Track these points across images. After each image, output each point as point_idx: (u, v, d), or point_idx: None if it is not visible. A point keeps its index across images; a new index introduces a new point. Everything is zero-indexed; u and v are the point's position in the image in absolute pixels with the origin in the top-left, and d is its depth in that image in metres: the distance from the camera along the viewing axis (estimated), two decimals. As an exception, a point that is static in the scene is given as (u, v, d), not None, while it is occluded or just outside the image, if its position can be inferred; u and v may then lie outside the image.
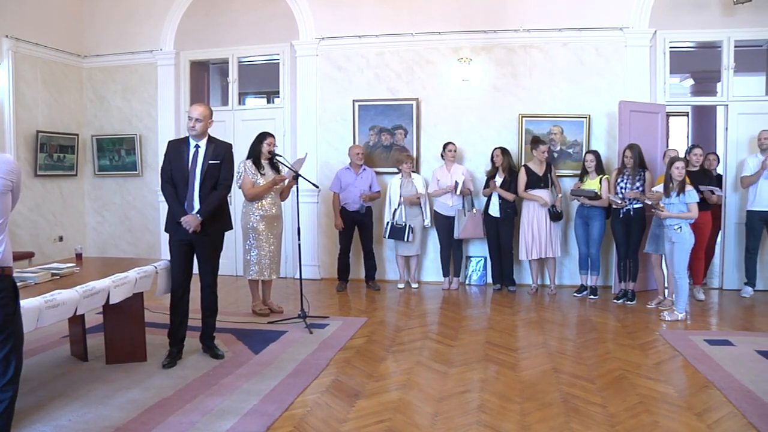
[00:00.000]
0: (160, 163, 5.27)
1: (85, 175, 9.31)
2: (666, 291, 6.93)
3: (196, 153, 4.89)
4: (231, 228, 5.23)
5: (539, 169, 7.39)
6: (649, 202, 6.50)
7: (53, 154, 8.60)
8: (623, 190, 6.90)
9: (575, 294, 7.36)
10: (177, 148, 4.95)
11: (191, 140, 4.91)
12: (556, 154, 7.75)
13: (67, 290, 4.02)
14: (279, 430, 3.69)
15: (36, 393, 3.02)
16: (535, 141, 7.46)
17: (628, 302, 6.93)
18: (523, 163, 7.61)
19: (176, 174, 4.90)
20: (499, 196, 7.45)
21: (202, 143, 4.90)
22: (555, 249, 7.41)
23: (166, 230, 5.04)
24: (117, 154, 9.17)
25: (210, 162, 4.88)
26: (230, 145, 5.09)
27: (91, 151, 9.24)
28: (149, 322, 5.13)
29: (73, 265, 4.98)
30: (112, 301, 4.40)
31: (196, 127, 4.82)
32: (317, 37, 8.36)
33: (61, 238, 8.69)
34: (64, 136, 8.76)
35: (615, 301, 7.03)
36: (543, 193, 7.35)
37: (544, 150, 7.35)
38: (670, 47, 7.67)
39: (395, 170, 7.92)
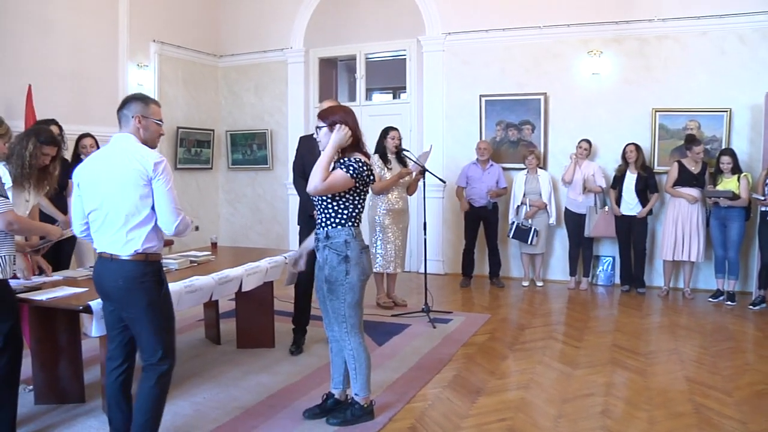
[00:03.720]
0: (291, 158, 5.44)
1: (220, 169, 9.80)
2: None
3: None
4: None
5: (695, 168, 6.99)
6: None
7: (191, 148, 9.11)
8: None
9: (710, 299, 6.96)
10: (308, 143, 5.04)
11: None
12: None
13: (204, 277, 4.26)
14: (400, 421, 3.76)
15: (174, 371, 3.33)
16: (689, 140, 7.02)
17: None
18: (677, 159, 7.19)
19: (309, 168, 4.99)
20: (637, 193, 7.16)
21: None
22: (698, 251, 6.97)
23: (298, 223, 5.17)
24: (249, 148, 9.59)
25: None
26: None
27: (225, 145, 9.71)
28: (278, 311, 5.33)
29: (209, 253, 5.25)
30: (244, 289, 4.61)
31: None
32: (444, 32, 8.37)
33: (197, 228, 9.15)
34: (201, 131, 9.26)
35: (751, 307, 6.61)
36: (694, 192, 6.97)
37: (699, 151, 6.89)
38: (830, 31, 7.03)
39: (522, 166, 7.81)
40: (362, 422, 3.68)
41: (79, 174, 3.13)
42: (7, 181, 3.92)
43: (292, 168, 5.22)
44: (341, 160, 3.46)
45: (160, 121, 3.18)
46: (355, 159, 3.45)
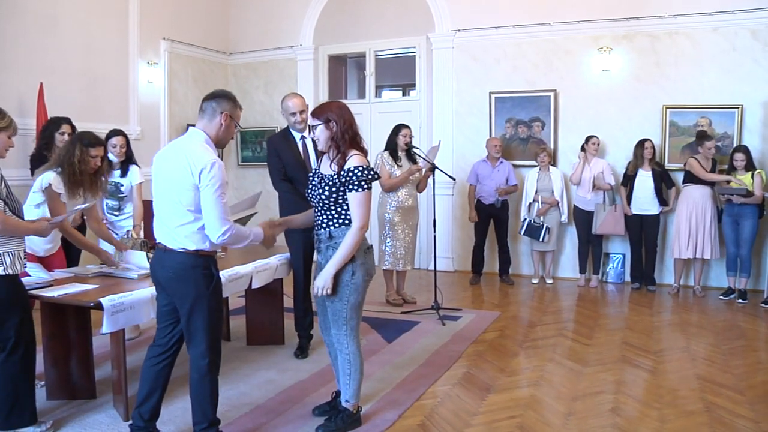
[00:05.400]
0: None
1: (230, 166, 9.80)
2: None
3: (304, 144, 4.85)
4: None
5: (706, 164, 6.91)
6: None
7: (200, 145, 9.10)
8: None
9: (722, 297, 6.92)
10: (283, 143, 4.88)
11: (294, 133, 4.86)
12: (704, 148, 7.29)
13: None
14: (410, 419, 3.76)
15: (184, 367, 3.32)
16: (701, 136, 7.00)
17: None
18: (690, 156, 7.09)
19: (292, 169, 4.83)
20: (656, 190, 7.11)
21: (305, 134, 4.83)
22: (712, 249, 6.91)
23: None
24: (259, 146, 9.59)
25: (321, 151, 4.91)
26: None
27: (234, 142, 9.70)
28: (287, 308, 5.32)
29: (219, 250, 5.25)
30: (254, 286, 4.58)
31: (305, 119, 4.73)
32: (453, 29, 8.34)
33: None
34: (211, 128, 9.25)
35: (763, 305, 6.55)
36: (716, 178, 6.88)
37: (710, 146, 6.84)
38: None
39: (532, 163, 7.79)
40: (352, 429, 3.58)
41: (154, 160, 3.20)
42: (60, 189, 4.04)
43: (270, 172, 4.98)
44: (348, 176, 3.28)
45: (239, 125, 3.26)
46: (358, 170, 3.28)
